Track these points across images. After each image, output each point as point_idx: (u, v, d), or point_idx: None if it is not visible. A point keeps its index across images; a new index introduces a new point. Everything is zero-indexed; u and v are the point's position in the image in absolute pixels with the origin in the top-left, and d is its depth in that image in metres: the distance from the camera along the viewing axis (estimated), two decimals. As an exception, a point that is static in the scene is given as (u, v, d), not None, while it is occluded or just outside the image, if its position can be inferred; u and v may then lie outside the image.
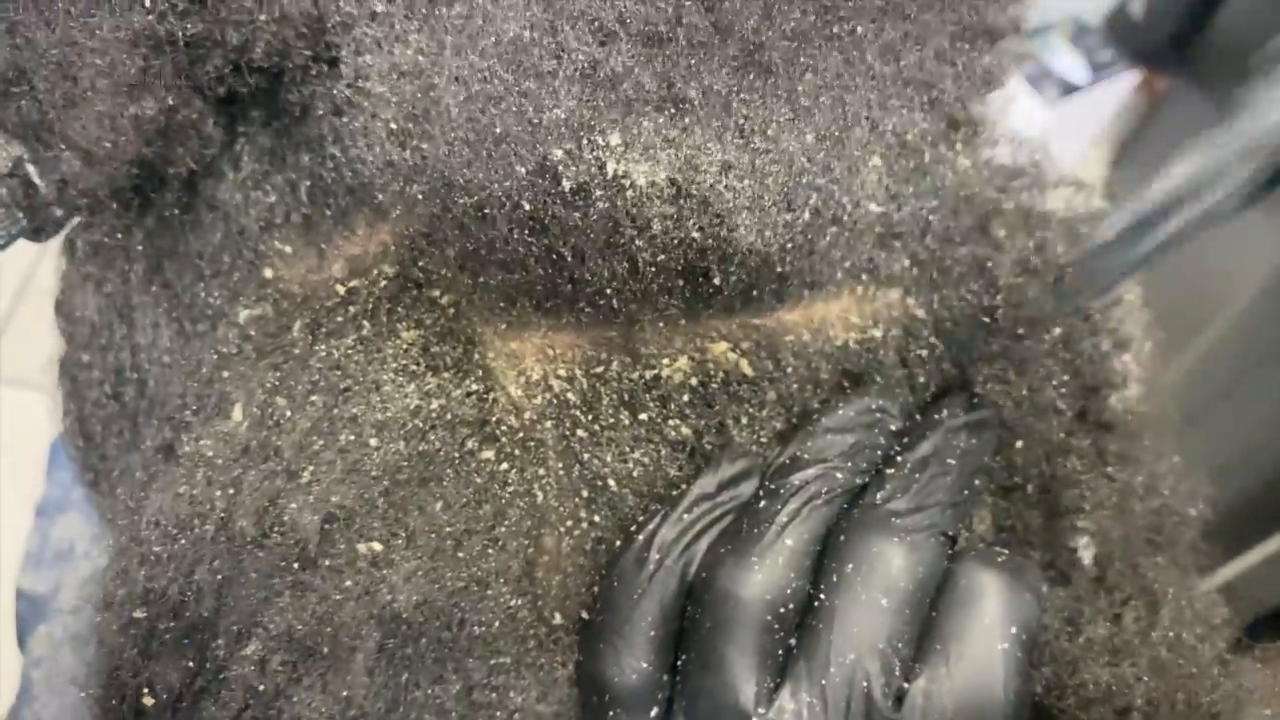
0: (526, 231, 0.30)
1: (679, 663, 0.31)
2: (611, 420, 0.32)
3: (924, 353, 0.35)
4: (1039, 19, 1.02)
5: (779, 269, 0.31)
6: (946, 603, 0.30)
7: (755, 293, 0.32)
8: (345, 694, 0.30)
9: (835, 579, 0.30)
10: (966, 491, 0.32)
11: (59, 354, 0.42)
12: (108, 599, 0.32)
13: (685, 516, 0.32)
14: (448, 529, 0.31)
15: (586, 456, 0.33)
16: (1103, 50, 1.01)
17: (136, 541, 0.31)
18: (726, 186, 0.29)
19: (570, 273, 0.30)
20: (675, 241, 0.29)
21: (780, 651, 0.30)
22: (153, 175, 0.35)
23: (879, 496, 0.31)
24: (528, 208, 0.30)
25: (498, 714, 0.32)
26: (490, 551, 0.31)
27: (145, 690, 0.31)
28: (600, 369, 0.33)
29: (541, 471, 0.32)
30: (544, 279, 0.31)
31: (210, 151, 0.35)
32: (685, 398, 0.33)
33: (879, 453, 0.33)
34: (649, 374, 0.33)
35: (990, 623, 0.30)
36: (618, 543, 0.33)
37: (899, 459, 0.32)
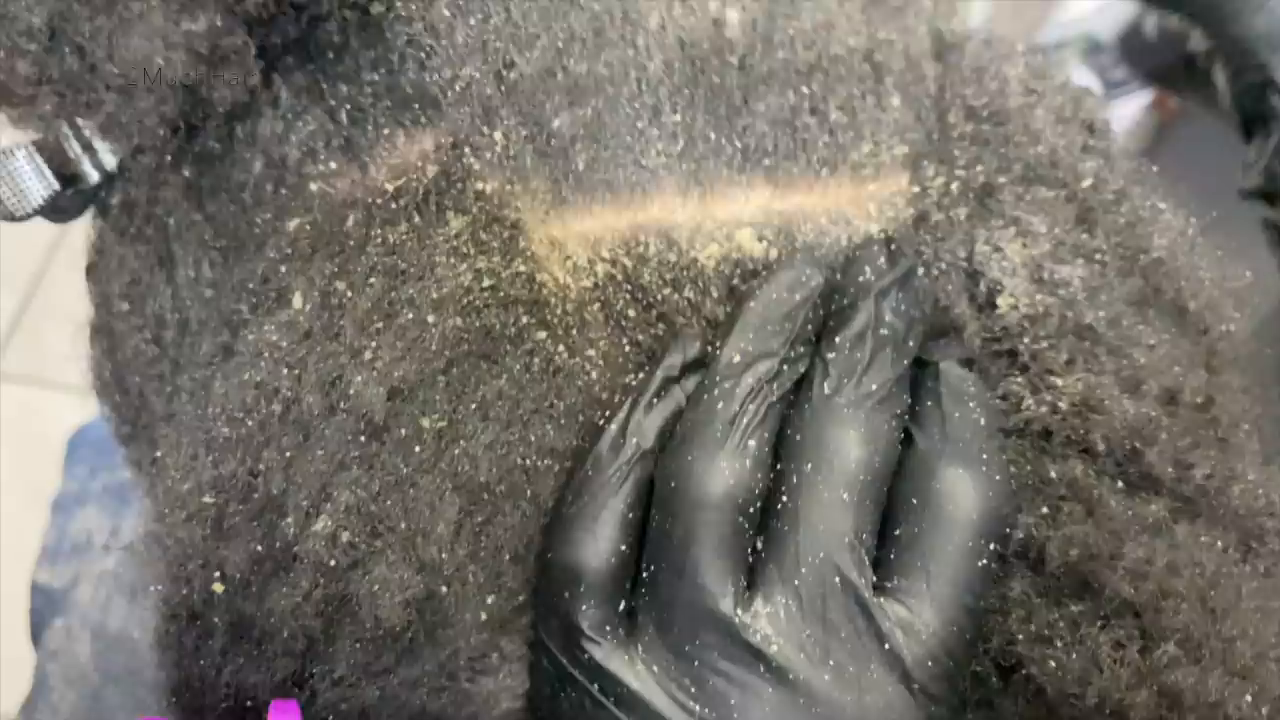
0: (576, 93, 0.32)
1: (645, 572, 0.30)
2: (659, 298, 0.33)
3: (930, 243, 0.35)
4: (1052, 37, 1.05)
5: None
6: (919, 503, 0.30)
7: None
8: (427, 561, 0.30)
9: (795, 479, 0.30)
10: (908, 357, 0.32)
11: (89, 319, 0.43)
12: (173, 496, 0.32)
13: (655, 401, 0.32)
14: (515, 404, 0.32)
15: (640, 336, 0.33)
16: (1115, 69, 1.03)
17: (203, 431, 0.32)
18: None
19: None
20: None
21: (749, 552, 0.30)
22: (196, 106, 0.36)
23: (826, 386, 0.31)
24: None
25: None
26: (551, 429, 0.32)
27: (216, 576, 0.31)
28: (640, 249, 0.34)
29: (591, 352, 0.33)
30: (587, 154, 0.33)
31: (251, 80, 0.36)
32: (717, 284, 0.34)
33: (815, 327, 0.32)
34: (687, 256, 0.34)
35: (967, 536, 0.30)
36: None
37: (836, 338, 0.31)
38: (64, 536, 0.59)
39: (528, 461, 0.32)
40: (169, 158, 0.37)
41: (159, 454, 0.33)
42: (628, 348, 0.33)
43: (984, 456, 0.30)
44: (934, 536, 0.30)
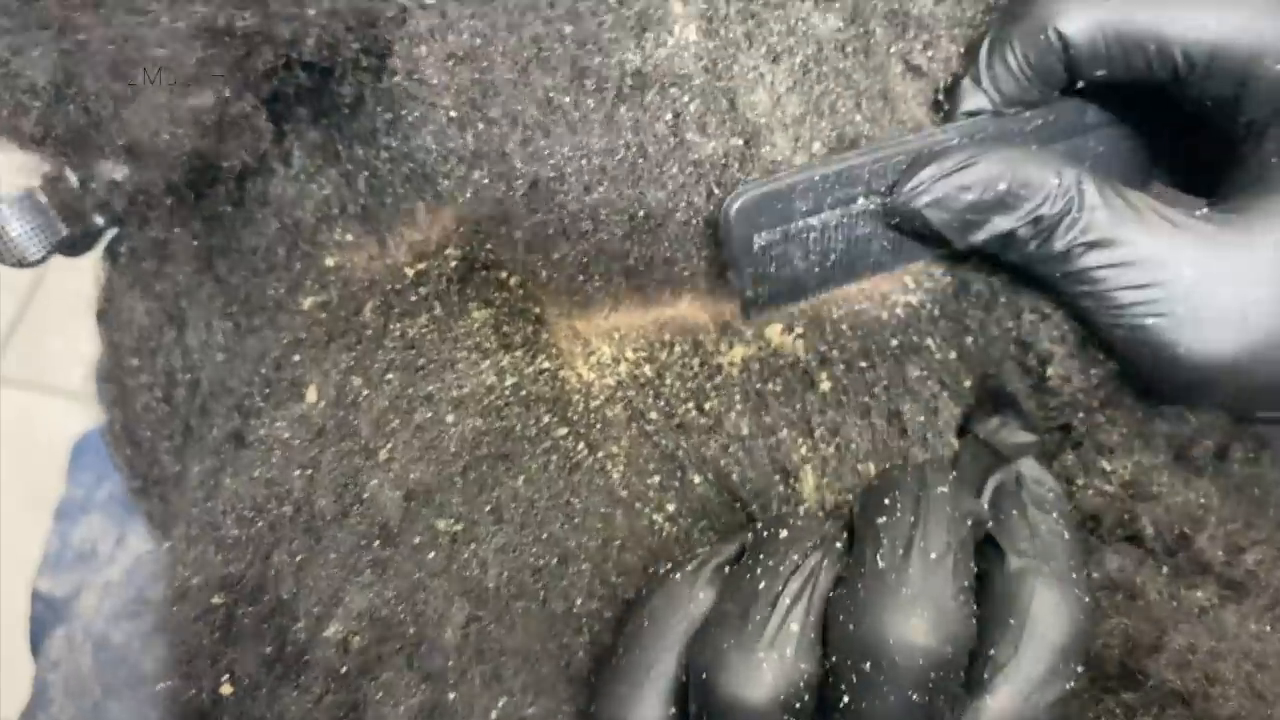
0: (599, 205, 0.30)
1: None
2: (680, 410, 0.32)
3: (975, 313, 0.34)
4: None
5: None
6: (1015, 625, 0.28)
7: None
8: (434, 670, 0.30)
9: (854, 679, 0.27)
10: (970, 509, 0.29)
11: (99, 363, 0.42)
12: (180, 589, 0.31)
13: (726, 569, 0.30)
14: (530, 505, 0.31)
15: (663, 441, 0.32)
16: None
17: (212, 527, 0.31)
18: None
19: (642, 239, 0.31)
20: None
21: None
22: (205, 171, 0.35)
23: (880, 559, 0.27)
24: (599, 181, 0.30)
25: (583, 690, 0.32)
26: (568, 529, 0.31)
27: (225, 678, 0.30)
28: (664, 354, 0.33)
29: (614, 450, 0.32)
30: (616, 250, 0.31)
31: (262, 145, 0.34)
32: (741, 394, 0.33)
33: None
34: (713, 361, 0.33)
35: (1060, 660, 0.28)
36: (685, 532, 0.33)
37: (885, 499, 0.29)
38: (67, 545, 0.58)
39: (540, 562, 0.31)
40: (177, 216, 0.36)
41: (167, 545, 0.32)
42: (649, 449, 0.33)
43: (1074, 575, 0.29)
44: (1031, 665, 0.28)
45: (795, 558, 0.28)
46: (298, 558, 0.30)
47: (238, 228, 0.36)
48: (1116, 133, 0.34)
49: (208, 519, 0.31)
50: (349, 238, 0.34)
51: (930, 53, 0.32)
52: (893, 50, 0.32)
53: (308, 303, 0.33)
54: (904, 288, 0.34)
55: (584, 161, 0.30)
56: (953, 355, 0.33)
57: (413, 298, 0.32)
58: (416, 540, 0.30)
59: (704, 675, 0.27)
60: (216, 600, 0.30)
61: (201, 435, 0.34)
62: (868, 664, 0.26)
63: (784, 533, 0.29)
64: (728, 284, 0.33)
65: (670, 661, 0.29)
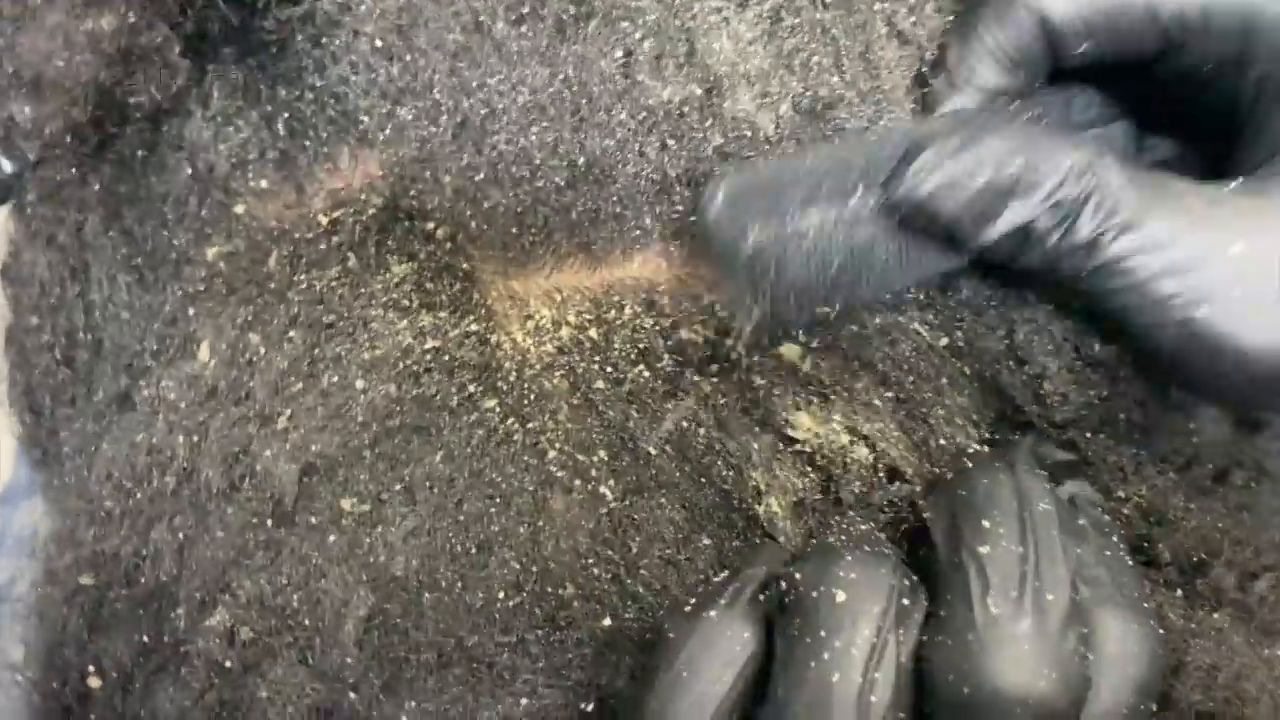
0: (535, 148, 0.27)
1: None
2: (631, 373, 0.29)
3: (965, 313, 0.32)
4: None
5: None
6: (1095, 661, 0.24)
7: None
8: (329, 669, 0.26)
9: None
10: (1077, 542, 0.26)
11: (6, 323, 0.38)
12: (49, 569, 0.28)
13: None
14: (448, 485, 0.27)
15: (610, 413, 0.29)
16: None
17: (86, 498, 0.27)
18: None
19: (586, 190, 0.27)
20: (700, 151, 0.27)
21: None
22: (113, 109, 0.31)
23: (991, 603, 0.23)
24: (535, 121, 0.26)
25: (503, 697, 0.29)
26: (494, 512, 0.28)
27: (92, 669, 0.27)
28: (612, 314, 0.29)
29: (551, 424, 0.29)
30: (556, 202, 0.28)
31: (176, 83, 0.31)
32: (702, 359, 0.30)
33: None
34: (667, 322, 0.30)
35: (1140, 700, 0.24)
36: (636, 515, 0.29)
37: (984, 522, 0.25)
38: (8, 530, 0.55)
39: (457, 548, 0.28)
40: (84, 160, 0.33)
41: (35, 518, 0.28)
42: (594, 422, 0.29)
43: (1145, 606, 0.25)
44: (1110, 706, 0.24)
45: (867, 634, 0.23)
46: (180, 535, 0.26)
47: (148, 173, 0.32)
48: (1107, 121, 0.30)
49: (81, 489, 0.27)
50: (264, 184, 0.31)
51: (914, 19, 0.29)
52: (877, 8, 0.29)
53: (211, 253, 0.29)
54: None
55: (518, 97, 0.27)
56: (943, 342, 0.30)
57: (323, 247, 0.28)
58: (315, 520, 0.27)
59: None
60: (86, 581, 0.27)
61: (88, 398, 0.31)
62: None
63: (839, 594, 0.24)
64: (685, 247, 0.30)
65: (720, 692, 0.24)
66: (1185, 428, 0.31)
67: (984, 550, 0.24)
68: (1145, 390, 0.31)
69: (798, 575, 0.25)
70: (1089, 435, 0.30)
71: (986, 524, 0.25)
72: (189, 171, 0.32)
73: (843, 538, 0.27)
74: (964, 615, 0.23)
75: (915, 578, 0.25)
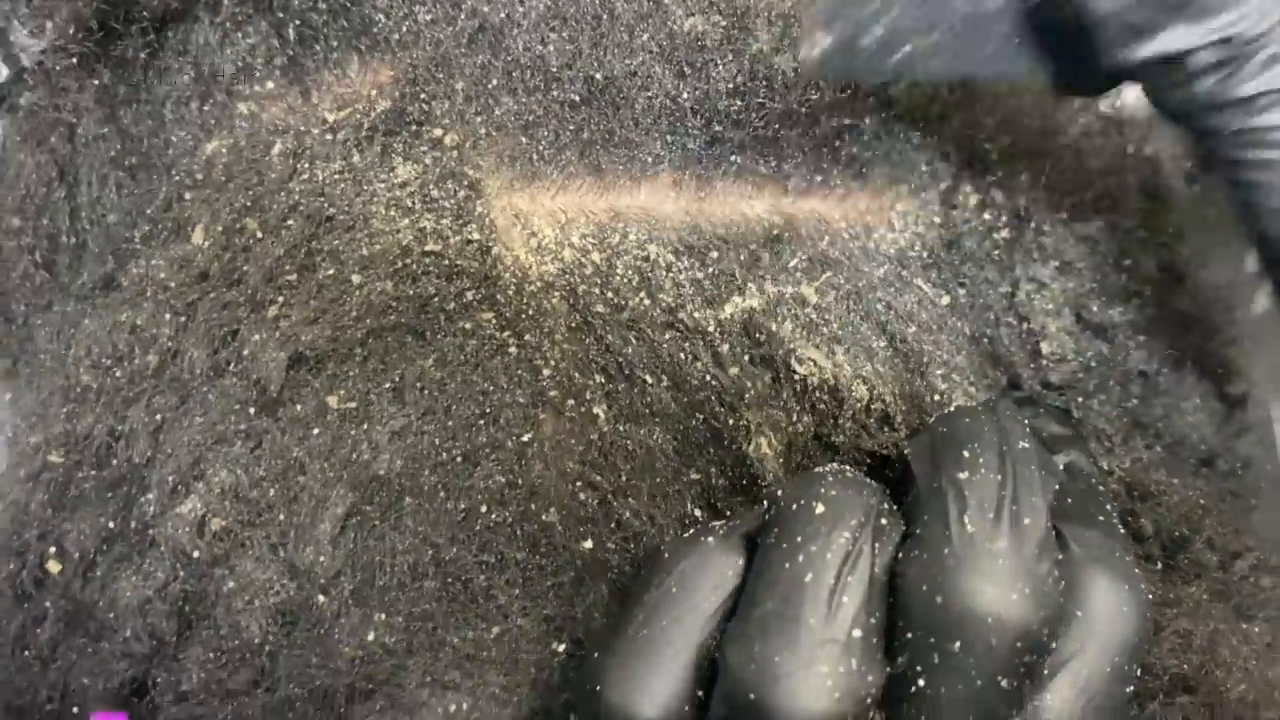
0: (552, 58, 0.27)
1: None
2: (633, 300, 0.29)
3: (968, 269, 0.31)
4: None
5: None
6: (1084, 616, 0.24)
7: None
8: (301, 564, 0.25)
9: (935, 659, 0.23)
10: (1056, 478, 0.25)
11: None
12: (16, 448, 0.27)
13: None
14: (439, 389, 0.26)
15: (610, 338, 0.28)
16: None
17: (62, 375, 0.26)
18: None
19: (601, 110, 0.27)
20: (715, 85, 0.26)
21: None
22: (118, 6, 0.31)
23: (968, 521, 0.23)
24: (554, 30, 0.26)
25: (475, 621, 0.28)
26: (483, 423, 0.27)
27: (53, 552, 0.26)
28: (617, 239, 0.29)
29: (547, 344, 0.28)
30: (569, 117, 0.27)
31: None
32: (700, 292, 0.30)
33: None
34: (669, 255, 0.29)
35: (1125, 659, 0.24)
36: (628, 443, 0.29)
37: (964, 453, 0.25)
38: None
39: (442, 455, 0.27)
40: (83, 58, 0.32)
41: (7, 396, 0.27)
42: (592, 344, 0.28)
43: (1136, 571, 0.25)
44: (1096, 663, 0.24)
45: (843, 540, 0.23)
46: (157, 416, 0.25)
47: (149, 76, 0.32)
48: None
49: (57, 367, 0.26)
50: (269, 86, 0.30)
51: None
52: None
53: (210, 147, 0.29)
54: (889, 225, 0.31)
55: (539, 3, 0.27)
56: (945, 300, 0.30)
57: (328, 139, 0.28)
58: (299, 412, 0.26)
59: (749, 691, 0.22)
60: (55, 459, 0.26)
61: (66, 289, 0.30)
62: (956, 643, 0.22)
63: (819, 506, 0.24)
64: (698, 179, 0.29)
65: (695, 641, 0.24)
66: (1178, 404, 0.31)
67: (962, 476, 0.24)
68: (1144, 358, 0.31)
69: (780, 493, 0.25)
70: (1081, 400, 0.30)
71: (966, 453, 0.24)
72: (192, 74, 0.31)
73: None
74: (940, 533, 0.23)
75: (895, 507, 0.25)
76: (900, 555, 0.23)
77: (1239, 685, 0.26)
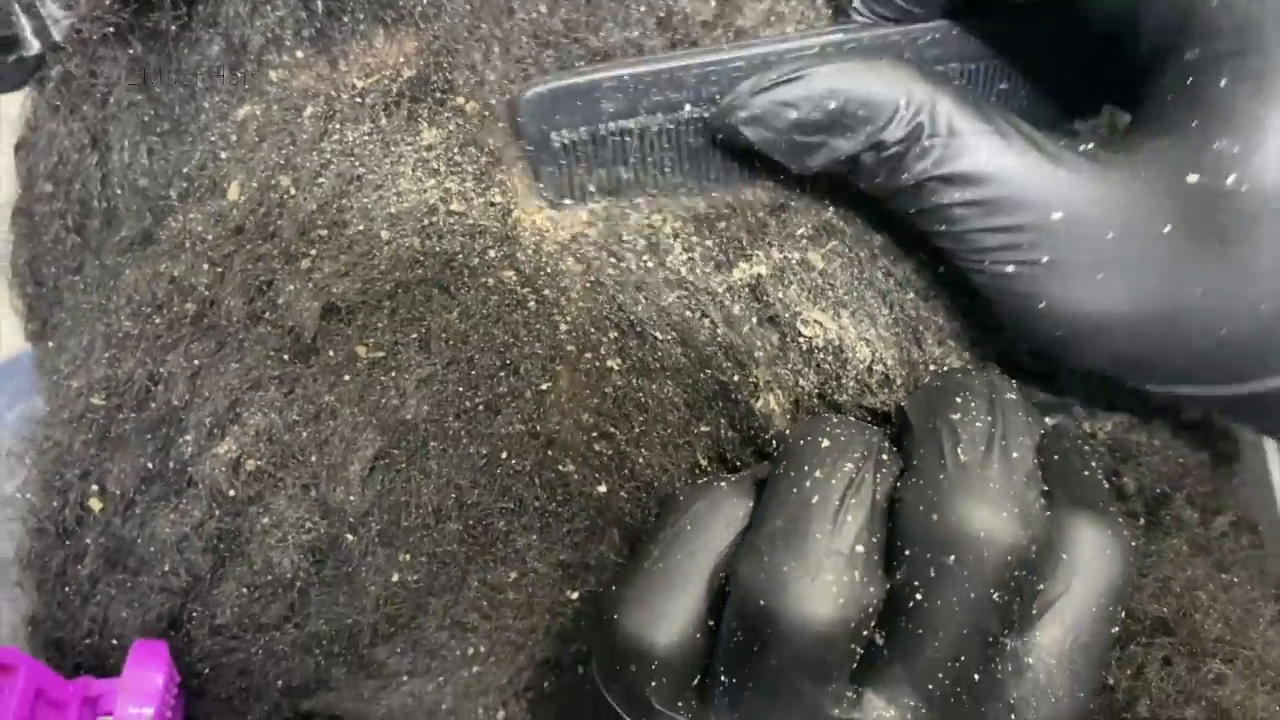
0: (561, 26, 0.28)
1: (725, 677, 0.25)
2: (639, 263, 0.30)
3: None
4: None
5: None
6: (1069, 559, 0.25)
7: None
8: (332, 504, 0.26)
9: (932, 572, 0.24)
10: (1041, 427, 0.27)
11: (14, 199, 0.39)
12: (59, 393, 0.28)
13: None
14: (463, 340, 0.28)
15: (622, 298, 0.30)
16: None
17: (104, 322, 0.27)
18: None
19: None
20: None
21: (860, 652, 0.25)
22: None
23: (961, 453, 0.25)
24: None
25: (494, 565, 0.29)
26: (504, 374, 0.28)
27: (95, 489, 0.27)
28: (625, 205, 0.30)
29: (564, 301, 0.30)
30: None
31: None
32: (715, 242, 0.31)
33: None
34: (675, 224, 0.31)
35: (1109, 603, 0.25)
36: (641, 396, 0.30)
37: (957, 398, 0.26)
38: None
39: (466, 403, 0.28)
40: (116, 30, 0.33)
41: (50, 344, 0.28)
42: (606, 307, 0.30)
43: (1119, 519, 0.26)
44: (1082, 604, 0.25)
45: (847, 469, 0.25)
46: (195, 362, 0.27)
47: (180, 47, 0.33)
48: (1009, 64, 0.29)
49: (99, 315, 0.28)
50: (299, 55, 0.31)
51: None
52: None
53: (243, 111, 0.30)
54: None
55: None
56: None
57: (358, 102, 0.29)
58: (331, 359, 0.27)
59: (759, 599, 0.24)
60: (96, 401, 0.27)
61: (104, 248, 0.31)
62: (950, 557, 0.24)
63: (825, 441, 0.26)
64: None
65: (707, 572, 0.26)
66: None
67: (955, 417, 0.26)
68: None
69: (788, 431, 0.26)
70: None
71: (959, 399, 0.26)
72: (222, 44, 0.32)
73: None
74: (936, 462, 0.25)
75: (895, 449, 0.27)
76: (899, 485, 0.25)
77: (1217, 626, 0.27)
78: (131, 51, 0.33)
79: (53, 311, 0.37)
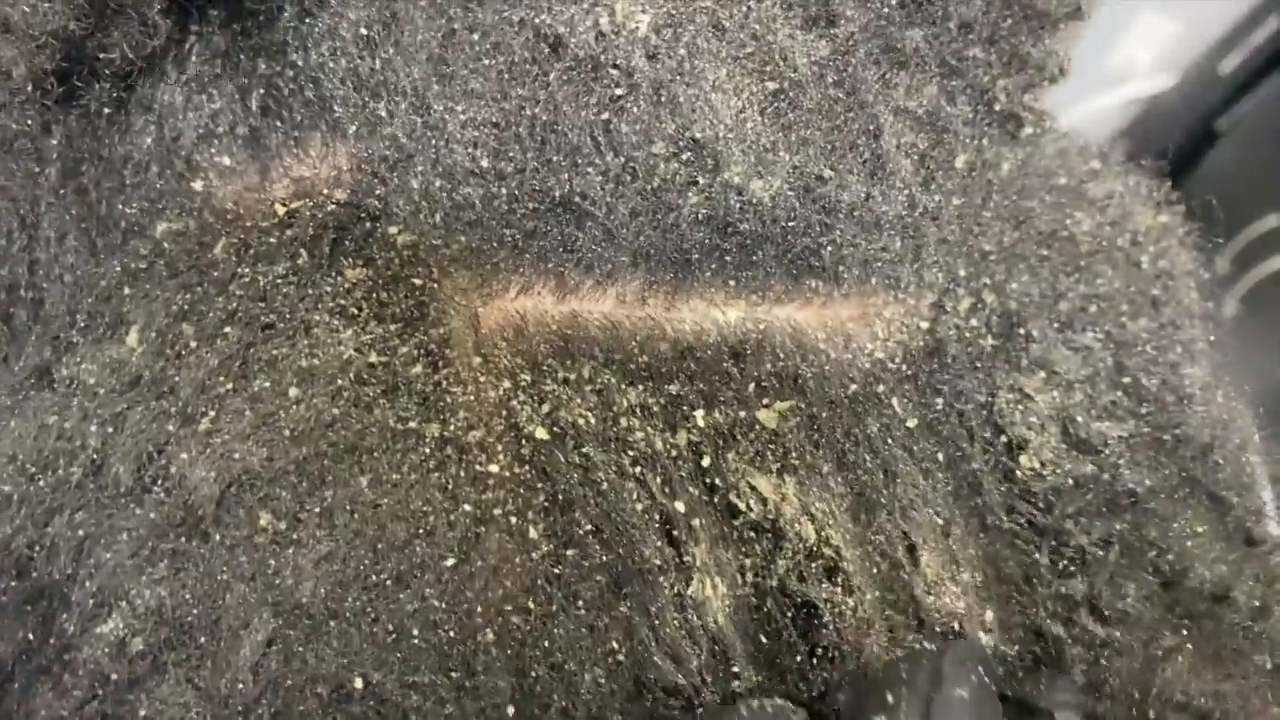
0: (511, 169, 0.25)
1: None
2: (580, 421, 0.27)
3: (946, 379, 0.30)
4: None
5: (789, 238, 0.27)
6: None
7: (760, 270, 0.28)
8: (219, 693, 0.24)
9: None
10: None
11: None
12: None
13: None
14: (371, 511, 0.25)
15: (559, 458, 0.27)
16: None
17: None
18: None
19: (558, 221, 0.25)
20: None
21: None
22: (82, 62, 0.29)
23: None
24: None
25: None
26: (418, 544, 0.26)
27: (-29, 659, 0.25)
28: (573, 352, 0.28)
29: (494, 466, 0.27)
30: (526, 227, 0.26)
31: (153, 43, 0.29)
32: (659, 408, 0.28)
33: None
34: (623, 381, 0.28)
35: None
36: (562, 570, 0.27)
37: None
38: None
39: (371, 579, 0.26)
40: (48, 110, 0.31)
41: None
42: (538, 470, 0.27)
43: None
44: None
45: None
46: (80, 532, 0.25)
47: (112, 132, 0.30)
48: None
49: (-19, 469, 0.25)
50: (228, 161, 0.29)
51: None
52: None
53: (160, 229, 0.28)
54: (872, 335, 0.29)
55: (489, 116, 0.25)
56: (913, 423, 0.29)
57: (275, 240, 0.26)
58: (226, 534, 0.25)
59: None
60: (-27, 568, 0.25)
61: (14, 363, 0.29)
62: None
63: None
64: (667, 288, 0.28)
65: None
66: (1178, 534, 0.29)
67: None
68: (1137, 479, 0.29)
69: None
70: (1054, 516, 0.29)
71: (890, 698, 0.23)
72: (154, 136, 0.30)
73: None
74: None
75: None
76: None
77: None
78: (63, 135, 0.31)
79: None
